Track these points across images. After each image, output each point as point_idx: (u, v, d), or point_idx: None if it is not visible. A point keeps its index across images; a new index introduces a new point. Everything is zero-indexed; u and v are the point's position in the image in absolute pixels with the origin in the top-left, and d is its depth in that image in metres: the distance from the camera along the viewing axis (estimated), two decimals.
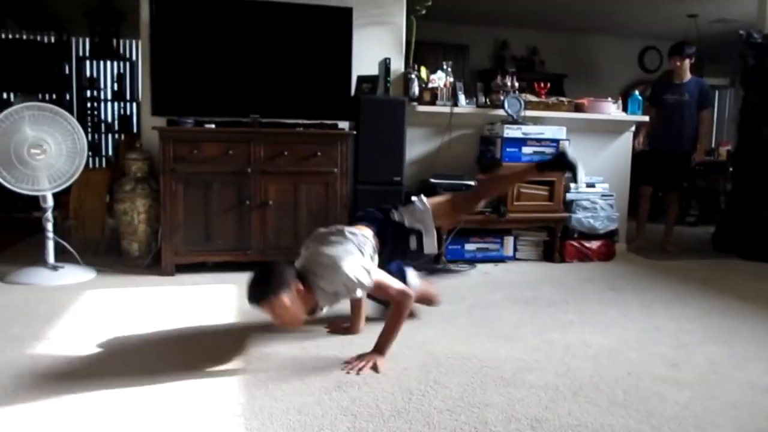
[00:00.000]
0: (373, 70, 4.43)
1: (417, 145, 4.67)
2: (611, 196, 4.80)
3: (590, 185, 4.77)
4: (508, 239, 4.56)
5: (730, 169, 6.45)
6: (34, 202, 3.93)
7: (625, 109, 5.06)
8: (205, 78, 4.02)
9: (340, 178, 4.00)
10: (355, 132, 4.07)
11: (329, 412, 2.04)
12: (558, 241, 4.65)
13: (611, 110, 4.93)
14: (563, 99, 5.00)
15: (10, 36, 6.99)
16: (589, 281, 4.05)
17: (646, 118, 5.07)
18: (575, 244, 4.68)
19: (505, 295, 3.64)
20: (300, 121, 4.10)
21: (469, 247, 4.46)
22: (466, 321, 3.10)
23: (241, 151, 3.86)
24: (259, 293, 2.30)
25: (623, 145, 5.12)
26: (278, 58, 4.09)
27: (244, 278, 3.73)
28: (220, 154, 3.83)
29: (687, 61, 5.05)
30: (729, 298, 3.69)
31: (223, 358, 2.52)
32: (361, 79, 4.38)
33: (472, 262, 4.43)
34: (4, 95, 6.87)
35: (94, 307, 3.19)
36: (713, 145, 8.00)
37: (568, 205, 4.68)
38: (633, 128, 5.11)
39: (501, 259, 4.54)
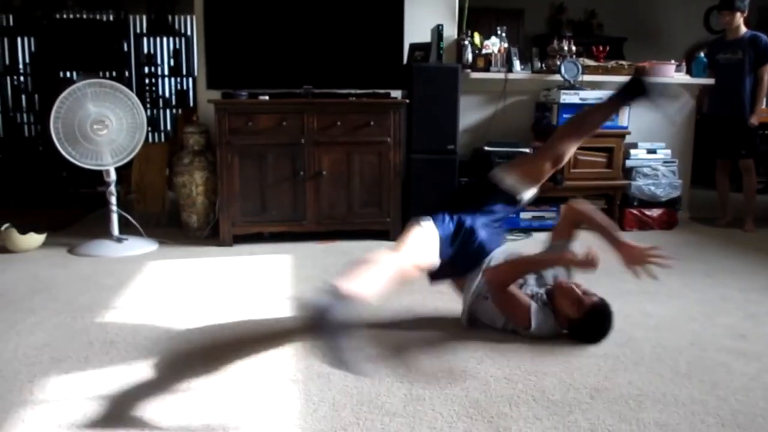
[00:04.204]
0: (425, 37, 4.36)
1: (471, 113, 4.60)
2: (673, 162, 4.63)
3: (651, 151, 4.61)
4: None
5: None
6: (97, 177, 4.06)
7: (689, 72, 4.84)
8: (259, 50, 4.03)
9: (393, 147, 3.99)
10: (407, 101, 4.04)
11: (386, 379, 2.06)
12: (617, 209, 4.52)
13: (673, 73, 4.71)
14: (623, 62, 4.81)
15: (71, 16, 7.19)
16: None
17: (712, 81, 4.82)
18: (635, 212, 4.55)
19: None
20: (353, 91, 4.08)
21: (525, 215, 4.38)
22: None
23: (295, 122, 3.88)
24: None
25: (686, 109, 4.91)
26: (330, 28, 4.07)
27: (299, 248, 3.85)
28: (274, 126, 3.86)
29: (738, 15, 4.57)
30: None
31: (282, 325, 2.57)
32: (414, 47, 4.32)
33: (528, 230, 4.36)
34: (68, 74, 7.09)
35: (158, 276, 3.30)
36: None
37: (628, 172, 4.55)
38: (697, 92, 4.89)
39: None
